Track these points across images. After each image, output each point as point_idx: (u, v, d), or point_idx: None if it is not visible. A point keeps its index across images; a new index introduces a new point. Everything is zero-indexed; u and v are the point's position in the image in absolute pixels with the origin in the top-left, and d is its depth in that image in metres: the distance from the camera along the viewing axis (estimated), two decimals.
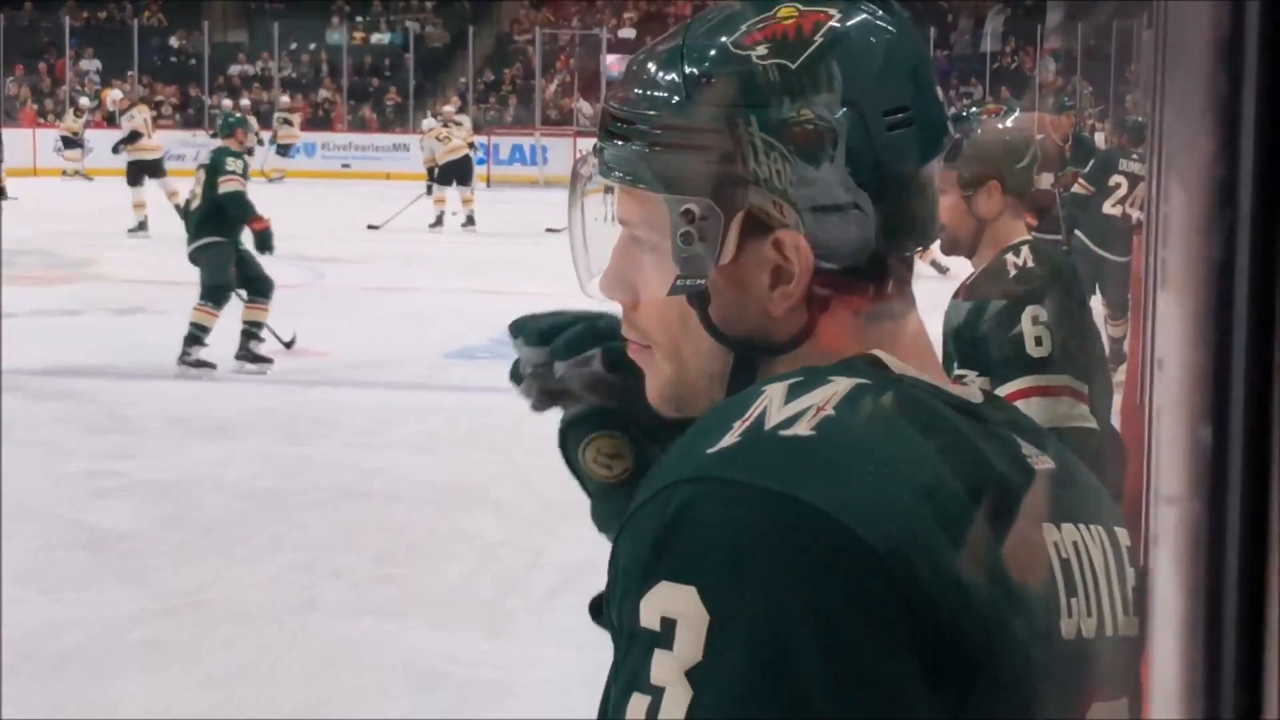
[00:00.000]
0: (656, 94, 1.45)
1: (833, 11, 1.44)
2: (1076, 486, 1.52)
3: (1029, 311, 3.93)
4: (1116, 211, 11.73)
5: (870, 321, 1.46)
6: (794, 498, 1.26)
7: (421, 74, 40.79)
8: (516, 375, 1.76)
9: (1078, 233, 11.93)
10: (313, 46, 42.94)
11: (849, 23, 1.43)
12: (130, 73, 40.62)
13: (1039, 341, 3.91)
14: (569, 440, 1.72)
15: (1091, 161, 12.35)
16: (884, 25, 1.45)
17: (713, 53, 1.43)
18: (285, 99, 37.90)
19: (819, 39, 1.41)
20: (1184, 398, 0.35)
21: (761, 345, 1.47)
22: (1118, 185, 11.66)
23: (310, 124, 40.00)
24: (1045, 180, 12.67)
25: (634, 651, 1.24)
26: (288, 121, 35.99)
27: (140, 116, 26.27)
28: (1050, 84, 34.14)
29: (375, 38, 43.34)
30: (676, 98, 1.43)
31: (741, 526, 1.25)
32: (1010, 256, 4.08)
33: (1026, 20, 37.96)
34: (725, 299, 1.45)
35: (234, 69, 41.81)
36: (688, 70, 1.43)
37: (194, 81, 40.86)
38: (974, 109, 4.64)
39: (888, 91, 1.42)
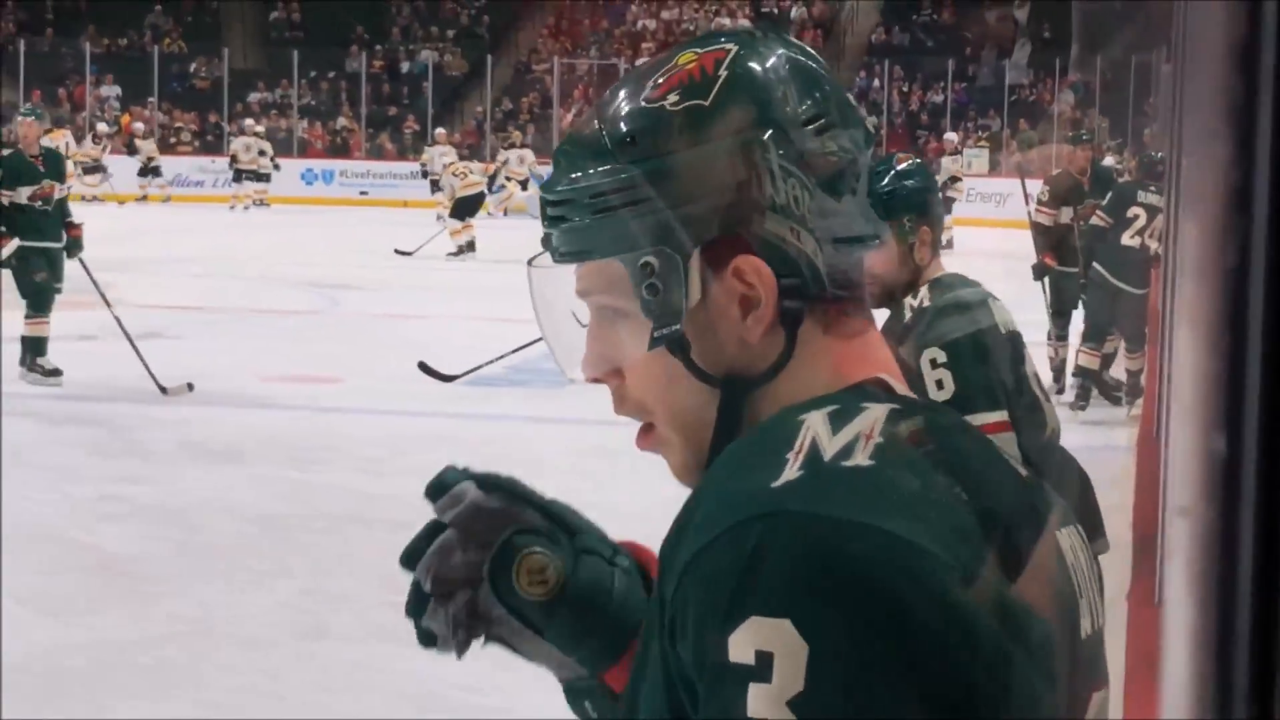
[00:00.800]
0: (589, 168, 1.51)
1: (729, 46, 1.52)
2: (1052, 491, 1.60)
3: (926, 355, 4.03)
4: (1135, 243, 11.77)
5: (849, 340, 1.52)
6: (878, 529, 1.30)
7: (439, 103, 41.15)
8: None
9: (1096, 264, 12.02)
10: (331, 75, 43.32)
11: (745, 50, 1.52)
12: (150, 99, 41.01)
13: (940, 384, 4.00)
14: (499, 580, 1.72)
15: (1110, 194, 12.39)
16: (779, 47, 1.54)
17: (629, 113, 1.51)
18: (249, 121, 38.05)
19: (723, 73, 1.49)
20: (1197, 407, 0.35)
21: (747, 378, 1.51)
22: (1136, 217, 11.72)
23: (329, 151, 40.41)
24: (1065, 214, 12.79)
25: (725, 688, 1.27)
26: (262, 152, 36.02)
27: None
28: (1068, 116, 34.39)
29: (403, 66, 43.70)
30: (608, 164, 1.49)
31: (830, 558, 1.29)
32: (908, 300, 4.18)
33: (1046, 53, 38.25)
34: (703, 340, 1.49)
35: (253, 96, 42.20)
36: (612, 135, 1.50)
37: (213, 108, 41.23)
38: (885, 162, 4.70)
39: (802, 103, 1.49)
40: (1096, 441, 10.28)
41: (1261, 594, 0.33)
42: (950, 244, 26.59)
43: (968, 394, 3.97)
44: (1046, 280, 12.76)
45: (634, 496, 5.04)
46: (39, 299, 12.49)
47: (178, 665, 6.58)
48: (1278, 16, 0.33)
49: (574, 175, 1.52)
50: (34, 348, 12.53)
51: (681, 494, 1.44)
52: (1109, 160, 13.16)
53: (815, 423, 1.37)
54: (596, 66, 41.81)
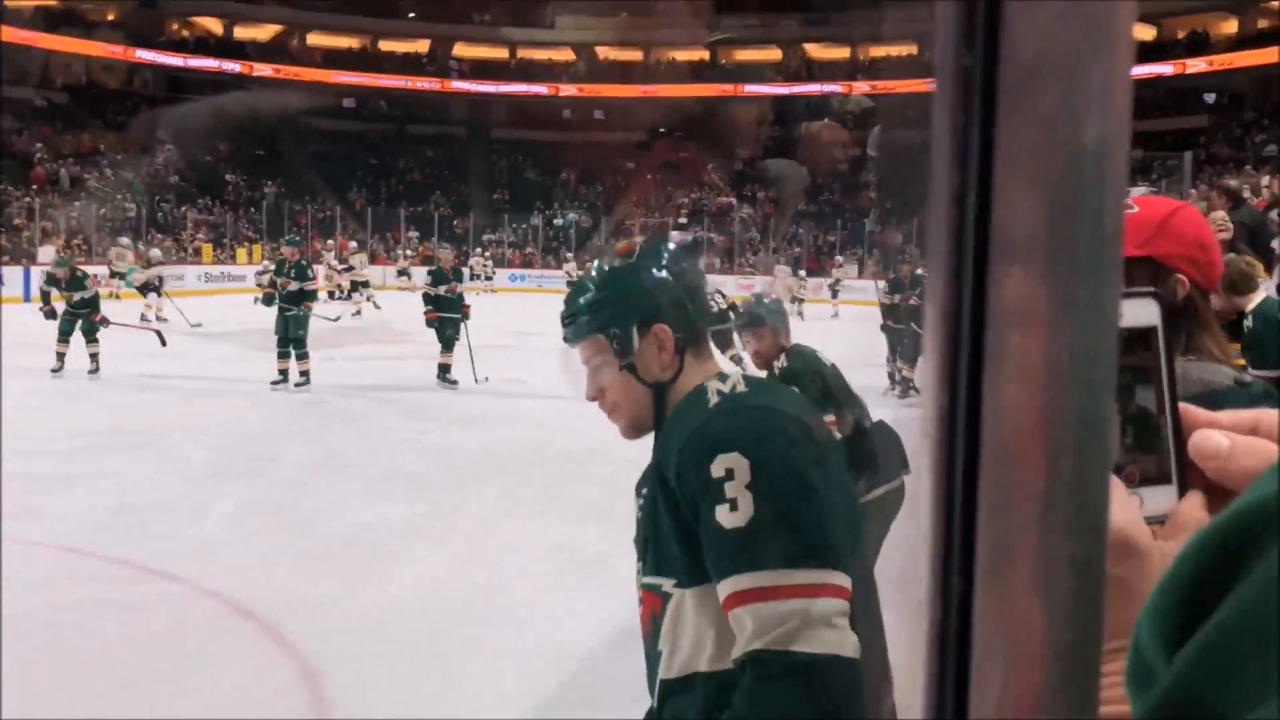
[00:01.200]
0: (591, 297, 1.72)
1: (638, 240, 1.79)
2: None
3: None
4: None
5: (706, 360, 1.73)
6: (769, 406, 1.55)
7: (577, 241, 41.08)
8: None
9: (913, 324, 11.96)
10: (524, 226, 43.30)
11: (645, 245, 1.77)
12: (431, 238, 41.18)
13: None
14: None
15: (920, 286, 12.33)
16: (663, 243, 1.78)
17: (603, 274, 1.75)
18: (479, 250, 37.89)
19: (639, 248, 1.76)
20: (934, 378, 0.34)
21: (663, 383, 1.69)
22: None
23: (521, 265, 40.35)
24: (896, 298, 12.68)
25: (712, 490, 1.44)
26: (484, 264, 36.06)
27: (358, 259, 26.34)
28: (899, 247, 34.02)
29: (556, 221, 43.63)
30: (598, 294, 1.72)
31: (750, 420, 1.51)
32: (777, 363, 4.27)
33: (889, 214, 37.85)
34: (643, 367, 1.69)
35: (485, 236, 42.13)
36: (598, 283, 1.73)
37: (465, 243, 41.33)
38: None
39: (680, 263, 1.75)
40: (914, 415, 10.23)
41: (967, 477, 0.33)
42: (837, 315, 26.17)
43: (813, 406, 3.99)
44: (888, 332, 12.67)
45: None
46: (448, 344, 12.51)
47: (440, 534, 6.59)
48: (977, 177, 0.33)
49: (582, 301, 1.72)
50: (445, 369, 12.55)
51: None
52: (920, 270, 13.00)
53: (711, 384, 1.60)
54: (656, 223, 41.72)
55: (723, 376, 1.61)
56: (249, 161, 42.64)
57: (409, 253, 38.54)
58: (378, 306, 24.01)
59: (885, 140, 39.63)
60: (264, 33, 46.80)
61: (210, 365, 13.78)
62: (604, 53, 48.64)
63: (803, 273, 28.82)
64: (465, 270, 13.68)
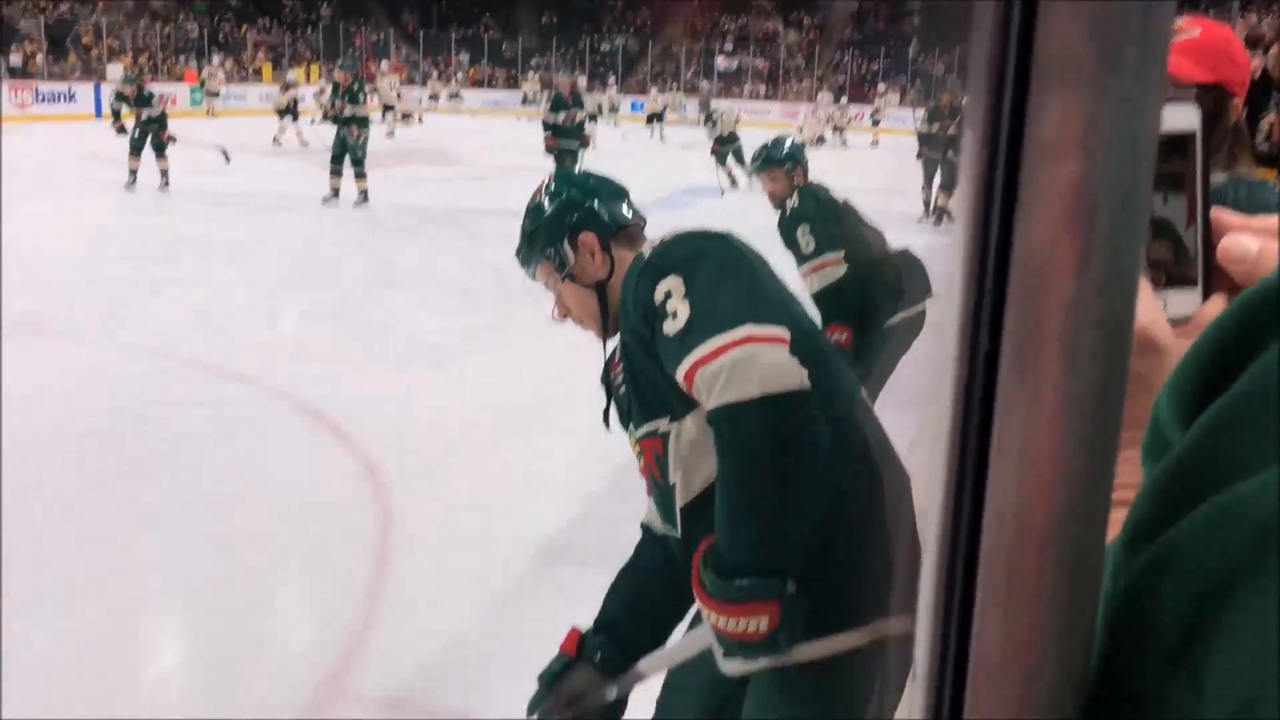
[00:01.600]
0: (526, 233, 1.88)
1: (550, 174, 1.96)
2: None
3: (801, 227, 3.98)
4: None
5: (639, 245, 1.85)
6: (701, 233, 1.69)
7: (624, 66, 39.94)
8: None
9: (950, 152, 11.64)
10: (570, 52, 42.10)
11: (556, 173, 1.96)
12: (481, 61, 40.19)
13: (807, 244, 3.96)
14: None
15: (960, 116, 11.89)
16: (580, 172, 1.97)
17: (533, 206, 1.90)
18: (530, 73, 35.85)
19: (553, 179, 1.94)
20: (957, 295, 0.34)
21: (602, 281, 1.83)
22: None
23: (571, 93, 39.41)
24: (935, 127, 12.24)
25: (659, 309, 1.58)
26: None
27: (386, 83, 24.44)
28: (940, 76, 32.73)
29: (603, 47, 42.31)
30: (533, 227, 1.88)
31: (678, 249, 1.66)
32: (790, 201, 4.12)
33: (930, 43, 36.31)
34: (581, 273, 1.84)
35: (534, 61, 41.06)
36: (532, 216, 1.89)
37: (512, 67, 40.26)
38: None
39: (588, 180, 1.91)
40: (948, 243, 10.07)
41: (997, 283, 0.32)
42: (877, 143, 25.38)
43: (820, 245, 3.93)
44: (925, 160, 12.30)
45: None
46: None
47: (498, 337, 6.62)
48: (1003, 187, 0.32)
49: (524, 235, 1.88)
50: None
51: None
52: (963, 100, 12.54)
53: (645, 248, 1.72)
54: (703, 49, 40.32)
55: (652, 242, 1.74)
56: None
57: (460, 75, 37.71)
58: (391, 133, 22.47)
59: None
60: None
61: (272, 181, 13.78)
62: None
63: (844, 100, 27.81)
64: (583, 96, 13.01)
